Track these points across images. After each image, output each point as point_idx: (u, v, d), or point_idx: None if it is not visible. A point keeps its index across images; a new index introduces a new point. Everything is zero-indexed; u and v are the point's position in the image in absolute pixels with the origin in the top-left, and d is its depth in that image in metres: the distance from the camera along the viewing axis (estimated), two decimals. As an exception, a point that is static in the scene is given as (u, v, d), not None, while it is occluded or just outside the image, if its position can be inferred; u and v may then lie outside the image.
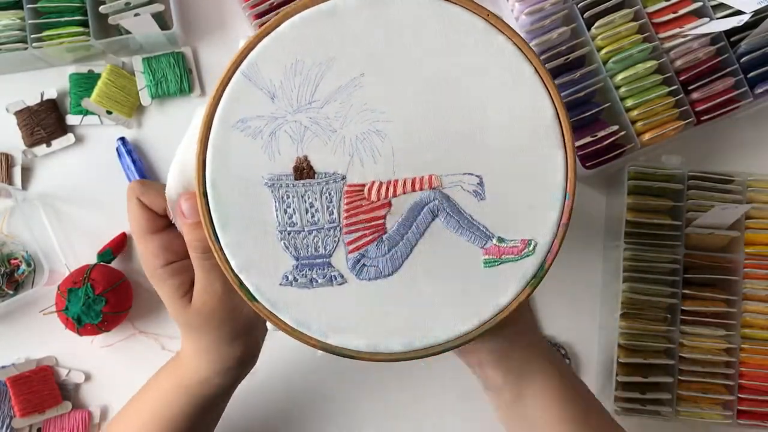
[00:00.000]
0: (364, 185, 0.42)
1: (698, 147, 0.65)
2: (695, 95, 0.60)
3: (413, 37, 0.42)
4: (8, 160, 0.63)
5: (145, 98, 0.64)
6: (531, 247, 0.41)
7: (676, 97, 0.60)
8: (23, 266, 0.61)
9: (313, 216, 0.42)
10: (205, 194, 0.41)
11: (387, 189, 0.42)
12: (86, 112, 0.64)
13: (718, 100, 0.60)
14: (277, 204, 0.41)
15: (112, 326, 0.59)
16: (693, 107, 0.60)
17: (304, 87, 0.41)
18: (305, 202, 0.42)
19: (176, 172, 0.48)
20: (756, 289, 0.59)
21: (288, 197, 0.42)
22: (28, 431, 0.60)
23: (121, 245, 0.63)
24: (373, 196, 0.42)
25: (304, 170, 0.42)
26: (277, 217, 0.41)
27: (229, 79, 0.41)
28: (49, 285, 0.61)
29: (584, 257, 0.65)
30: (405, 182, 0.42)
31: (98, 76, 0.63)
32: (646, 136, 0.59)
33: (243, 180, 0.41)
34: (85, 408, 0.62)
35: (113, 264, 0.62)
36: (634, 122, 0.60)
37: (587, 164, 0.60)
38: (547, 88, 0.42)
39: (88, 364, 0.63)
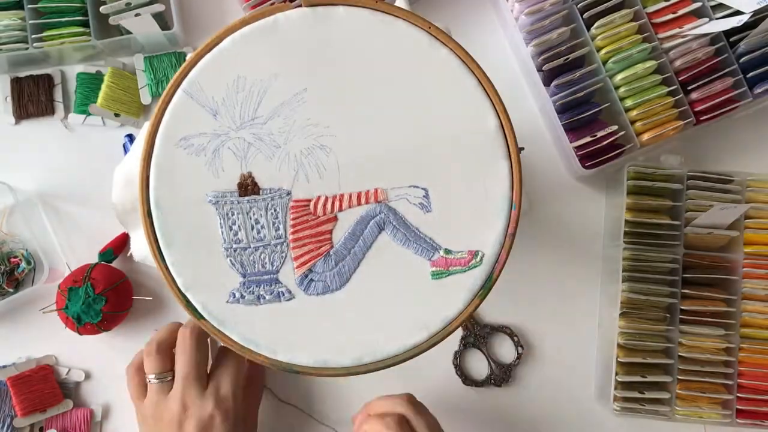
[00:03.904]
0: (309, 200, 0.41)
1: (697, 147, 0.65)
2: (694, 95, 0.60)
3: (356, 52, 0.41)
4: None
5: (145, 97, 0.64)
6: (478, 258, 0.41)
7: (676, 97, 0.60)
8: (23, 264, 0.61)
9: (258, 232, 0.41)
10: (149, 213, 0.40)
11: (333, 203, 0.41)
12: (90, 113, 0.64)
13: (718, 100, 0.60)
14: (222, 221, 0.41)
15: (112, 325, 0.59)
16: (692, 107, 0.60)
17: (247, 103, 0.41)
18: (251, 218, 0.41)
19: (122, 183, 0.48)
20: (755, 288, 0.59)
21: (233, 214, 0.41)
22: (29, 430, 0.60)
23: (122, 245, 0.63)
24: (319, 211, 0.41)
25: (248, 186, 0.41)
26: (222, 234, 0.41)
27: (171, 97, 0.41)
28: (50, 283, 0.61)
29: (584, 257, 0.65)
30: (351, 196, 0.41)
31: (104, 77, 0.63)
32: (646, 136, 0.59)
33: (187, 198, 0.41)
34: (87, 406, 0.62)
35: (114, 264, 0.62)
36: (633, 122, 0.60)
37: (587, 164, 0.60)
38: (491, 100, 0.41)
39: (89, 363, 0.63)
